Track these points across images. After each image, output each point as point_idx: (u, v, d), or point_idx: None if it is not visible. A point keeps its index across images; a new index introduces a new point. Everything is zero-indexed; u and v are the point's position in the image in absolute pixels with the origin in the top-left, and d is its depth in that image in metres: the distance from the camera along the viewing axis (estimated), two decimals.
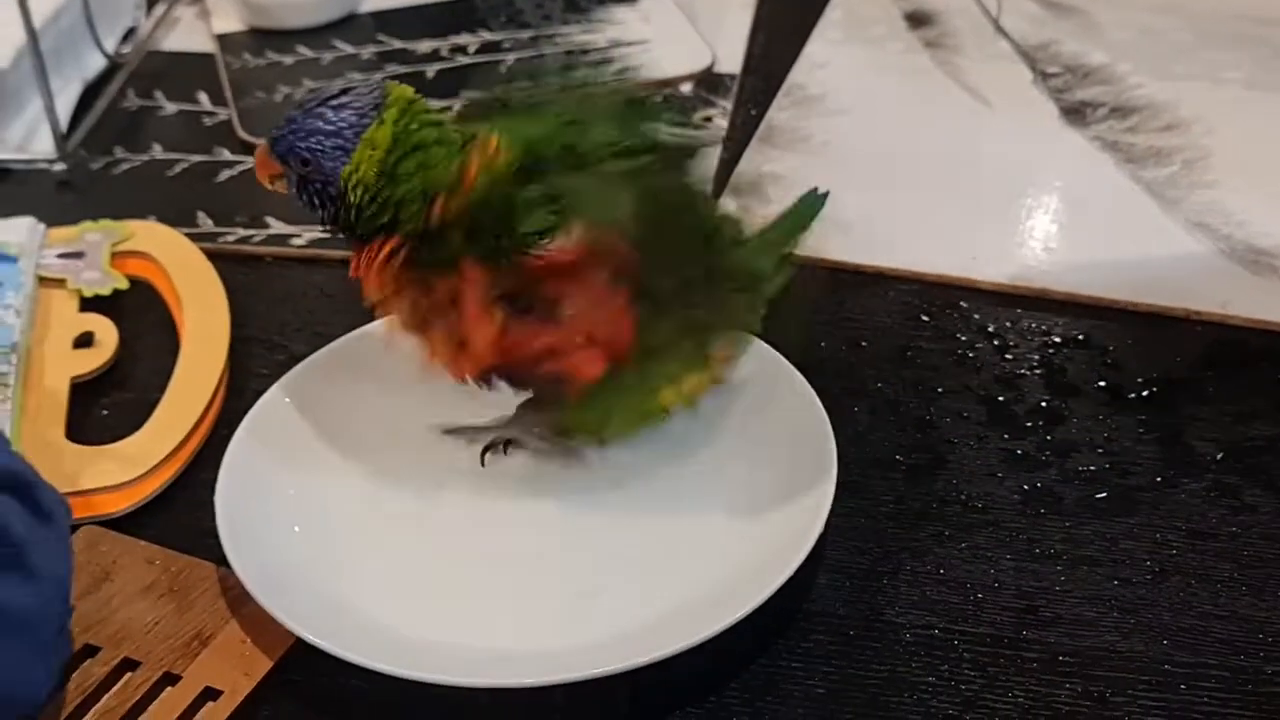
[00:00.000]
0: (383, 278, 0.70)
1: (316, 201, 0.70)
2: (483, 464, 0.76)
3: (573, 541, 0.73)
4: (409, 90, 0.71)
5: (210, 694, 0.65)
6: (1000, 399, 0.81)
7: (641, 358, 0.69)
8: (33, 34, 0.94)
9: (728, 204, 0.90)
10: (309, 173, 0.69)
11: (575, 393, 0.70)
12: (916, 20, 1.14)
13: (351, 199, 0.69)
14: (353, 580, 0.70)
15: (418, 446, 0.77)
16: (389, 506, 0.75)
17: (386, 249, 0.69)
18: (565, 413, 0.73)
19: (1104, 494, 0.75)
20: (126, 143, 1.02)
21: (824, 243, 0.90)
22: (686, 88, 1.07)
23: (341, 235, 0.71)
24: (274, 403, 0.77)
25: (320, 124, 0.69)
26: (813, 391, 0.75)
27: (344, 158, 0.68)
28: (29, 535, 0.60)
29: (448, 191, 0.68)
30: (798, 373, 0.76)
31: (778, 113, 1.04)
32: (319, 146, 0.69)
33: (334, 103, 0.69)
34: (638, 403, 0.72)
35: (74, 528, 0.72)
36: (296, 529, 0.72)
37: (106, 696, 0.66)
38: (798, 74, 1.08)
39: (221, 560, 0.71)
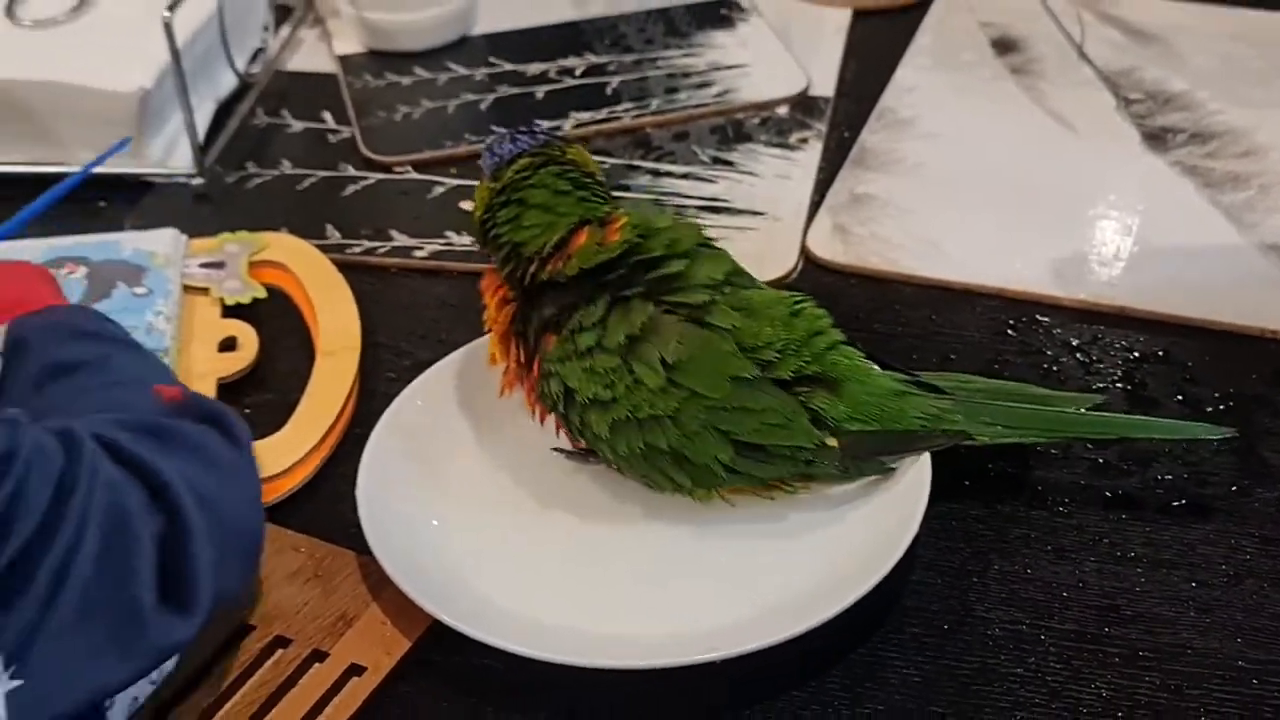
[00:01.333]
0: (493, 316, 0.79)
1: None
2: None
3: (688, 538, 0.78)
4: (579, 152, 0.79)
5: (355, 670, 0.72)
6: None
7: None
8: (176, 55, 1.00)
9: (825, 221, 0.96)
10: None
11: None
12: (1003, 47, 1.19)
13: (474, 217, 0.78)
14: (482, 568, 0.76)
15: (540, 445, 0.82)
16: (514, 501, 0.81)
17: (500, 294, 0.78)
18: None
19: (1182, 501, 0.80)
20: (257, 158, 1.09)
21: (915, 261, 0.96)
22: (783, 110, 1.12)
23: None
24: (407, 404, 0.83)
25: (502, 144, 0.79)
26: None
27: (489, 181, 0.76)
28: (230, 458, 0.69)
29: (540, 258, 0.75)
30: None
31: (870, 135, 1.09)
32: (485, 165, 0.79)
33: (519, 133, 0.78)
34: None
35: None
36: (435, 523, 0.78)
37: (261, 670, 0.72)
38: (889, 98, 1.13)
39: (360, 549, 0.77)
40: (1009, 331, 0.92)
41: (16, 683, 0.56)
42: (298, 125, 1.13)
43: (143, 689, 0.65)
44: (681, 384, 0.73)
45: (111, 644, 0.59)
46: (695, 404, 0.73)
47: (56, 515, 0.58)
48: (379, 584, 0.75)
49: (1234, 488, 0.81)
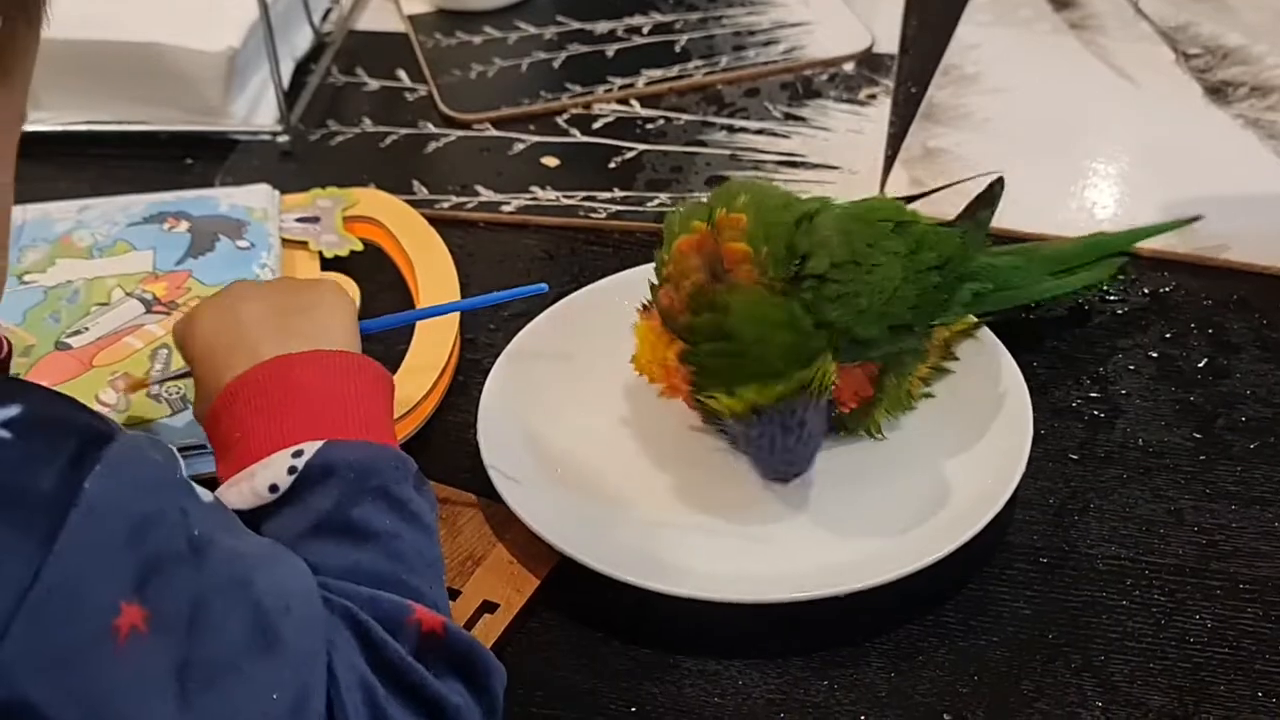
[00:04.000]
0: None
1: None
2: None
3: (804, 480, 0.80)
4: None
5: (488, 607, 0.74)
6: (1168, 355, 0.88)
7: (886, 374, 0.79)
8: (266, 14, 1.02)
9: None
10: None
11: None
12: (1060, 3, 1.21)
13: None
14: (602, 509, 0.79)
15: (649, 391, 0.85)
16: (627, 447, 0.83)
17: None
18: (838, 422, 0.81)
19: (1270, 440, 0.83)
20: (337, 116, 1.11)
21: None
22: (849, 67, 1.14)
23: None
24: (516, 352, 0.86)
25: None
26: (1007, 351, 0.83)
27: None
28: None
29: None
30: (992, 334, 0.84)
31: (937, 91, 1.11)
32: None
33: None
34: (893, 404, 0.82)
35: None
36: (558, 470, 0.81)
37: None
38: (952, 54, 1.15)
39: (479, 492, 0.79)
40: None
41: None
42: (374, 84, 1.15)
43: None
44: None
45: None
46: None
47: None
48: (502, 526, 0.78)
49: None
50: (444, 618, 0.62)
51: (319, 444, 0.64)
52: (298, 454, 0.64)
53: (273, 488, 0.64)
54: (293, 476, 0.63)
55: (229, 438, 0.67)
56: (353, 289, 0.92)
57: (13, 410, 0.51)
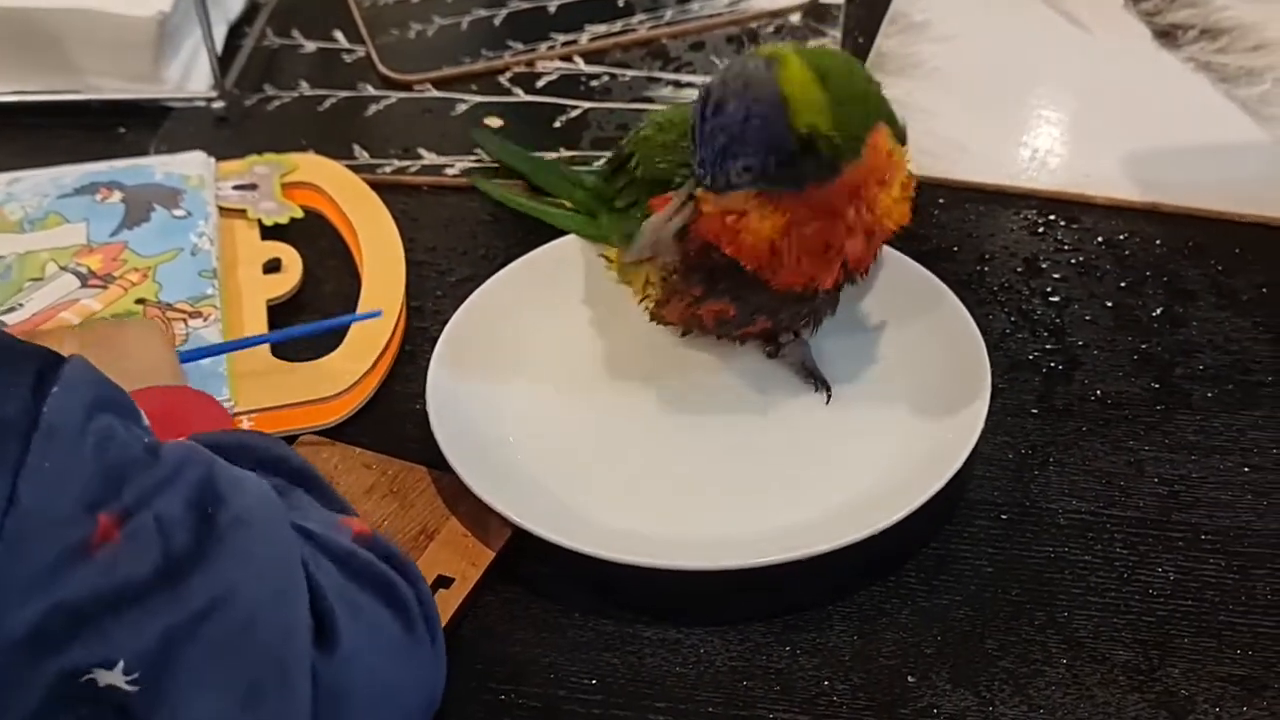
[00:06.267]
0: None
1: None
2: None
3: (762, 442, 0.80)
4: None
5: (442, 582, 0.72)
6: (1124, 304, 0.88)
7: None
8: None
9: None
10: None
11: None
12: None
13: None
14: (557, 478, 0.77)
15: (602, 356, 0.84)
16: (581, 411, 0.81)
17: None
18: None
19: (1228, 388, 0.82)
20: (274, 79, 1.08)
21: (945, 164, 0.97)
22: (795, 18, 1.13)
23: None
24: (465, 319, 0.84)
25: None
26: (962, 305, 0.82)
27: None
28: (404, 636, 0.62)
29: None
30: (945, 287, 0.83)
31: (885, 40, 1.10)
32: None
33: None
34: None
35: (291, 439, 0.79)
36: (510, 439, 0.79)
37: None
38: (900, 2, 1.13)
39: (429, 463, 0.78)
40: (1044, 230, 0.93)
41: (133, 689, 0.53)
42: (310, 45, 1.12)
43: None
44: None
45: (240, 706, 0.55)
46: None
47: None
48: (455, 497, 0.76)
49: (1275, 374, 0.83)
50: (369, 526, 0.64)
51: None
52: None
53: None
54: None
55: None
56: (294, 258, 0.91)
57: None
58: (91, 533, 0.51)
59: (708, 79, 0.72)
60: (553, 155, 0.99)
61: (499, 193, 0.95)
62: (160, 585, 0.53)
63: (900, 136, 0.75)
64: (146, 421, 0.58)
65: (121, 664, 0.52)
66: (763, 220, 0.73)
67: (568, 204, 0.91)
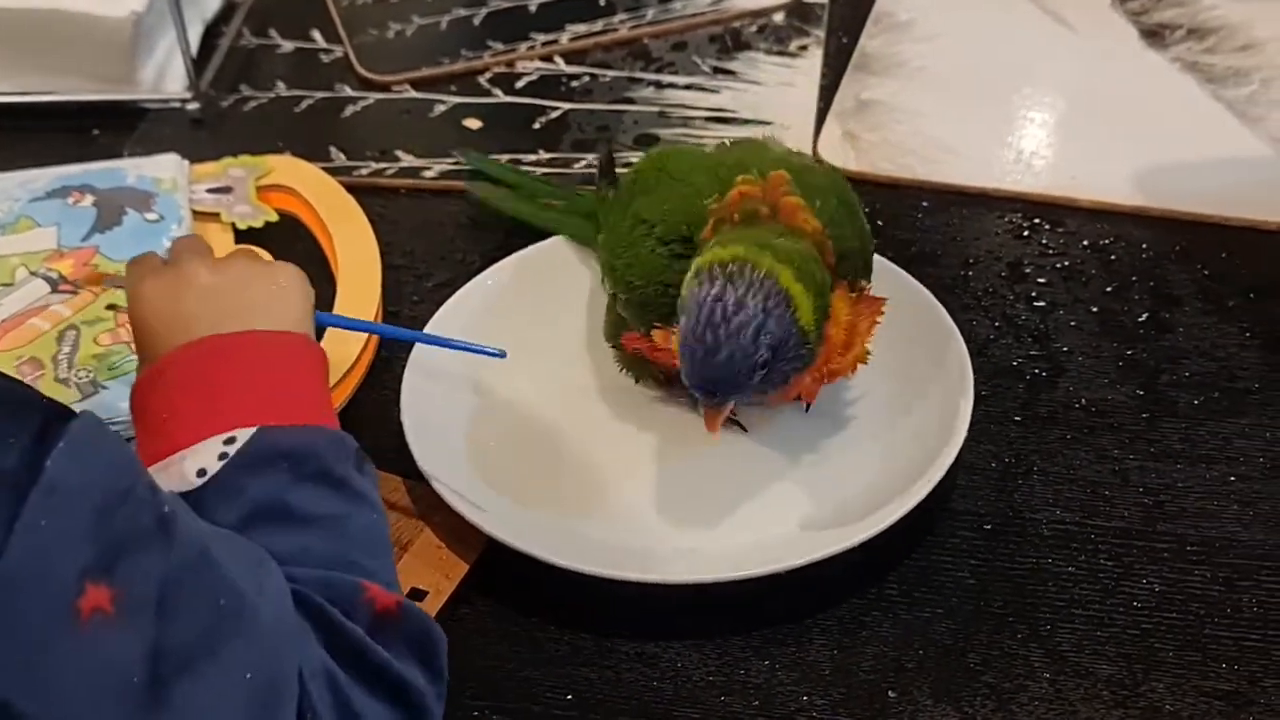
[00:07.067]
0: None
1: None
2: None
3: (741, 453, 0.78)
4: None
5: (416, 594, 0.71)
6: (1109, 309, 0.86)
7: None
8: None
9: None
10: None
11: None
12: None
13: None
14: (533, 491, 0.76)
15: (580, 367, 0.82)
16: (559, 423, 0.80)
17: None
18: None
19: (1214, 396, 0.81)
20: (250, 80, 1.07)
21: (930, 166, 0.96)
22: (779, 17, 1.11)
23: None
24: (440, 326, 0.82)
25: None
26: (945, 311, 0.81)
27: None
28: None
29: None
30: (929, 293, 0.82)
31: (869, 40, 1.08)
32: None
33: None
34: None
35: None
36: (492, 444, 0.78)
37: None
38: (884, 2, 1.12)
39: (404, 474, 0.76)
40: (1029, 234, 0.92)
41: None
42: (287, 45, 1.10)
43: None
44: None
45: None
46: None
47: None
48: (429, 509, 0.75)
49: (1264, 380, 0.82)
50: (398, 595, 0.60)
51: (251, 431, 0.61)
52: (229, 441, 0.61)
53: (200, 472, 0.61)
54: (223, 463, 0.60)
55: (156, 418, 0.64)
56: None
57: None
58: (78, 599, 0.48)
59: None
60: (541, 171, 0.97)
61: (496, 200, 0.93)
62: (143, 682, 0.49)
63: (864, 270, 0.75)
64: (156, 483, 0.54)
65: None
66: None
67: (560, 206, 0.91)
